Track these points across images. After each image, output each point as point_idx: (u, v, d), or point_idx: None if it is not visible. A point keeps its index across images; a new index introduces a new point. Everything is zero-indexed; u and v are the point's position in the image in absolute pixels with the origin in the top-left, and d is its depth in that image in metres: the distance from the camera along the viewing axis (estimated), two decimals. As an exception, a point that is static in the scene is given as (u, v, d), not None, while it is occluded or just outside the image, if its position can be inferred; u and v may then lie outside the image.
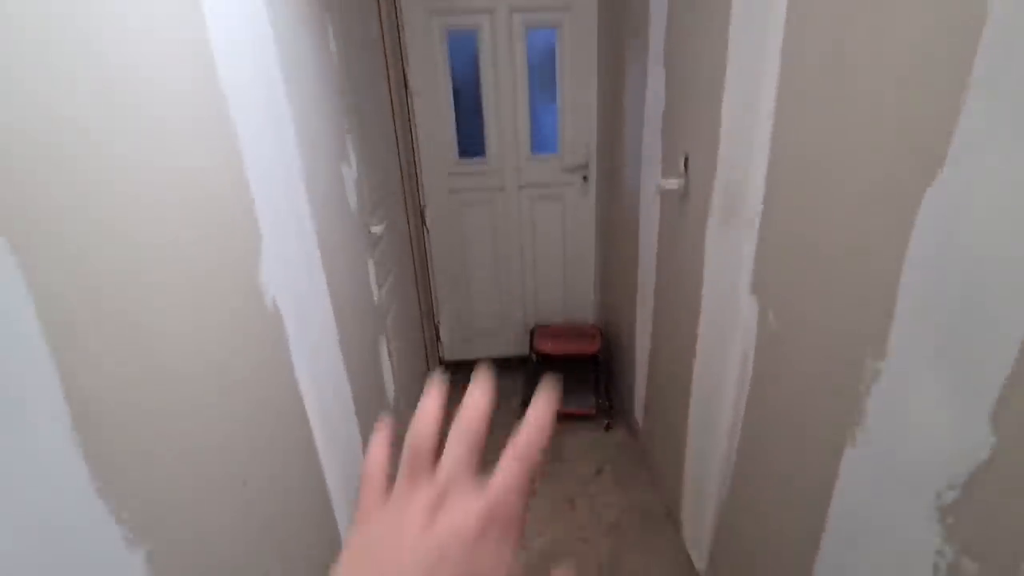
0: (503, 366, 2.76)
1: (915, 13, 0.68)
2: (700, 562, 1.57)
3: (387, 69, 2.03)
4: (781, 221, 1.04)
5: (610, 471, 2.09)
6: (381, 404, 1.57)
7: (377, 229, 1.60)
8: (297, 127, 0.96)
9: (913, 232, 0.70)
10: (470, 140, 2.41)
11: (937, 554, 0.69)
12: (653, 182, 1.73)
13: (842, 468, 0.89)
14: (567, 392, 2.46)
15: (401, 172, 2.21)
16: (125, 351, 0.50)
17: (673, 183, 1.49)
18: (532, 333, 2.59)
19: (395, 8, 2.12)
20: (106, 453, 0.47)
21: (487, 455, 0.27)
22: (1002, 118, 0.58)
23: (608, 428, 2.31)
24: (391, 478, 0.25)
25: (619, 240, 2.25)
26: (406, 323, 2.07)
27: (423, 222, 2.47)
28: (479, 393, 0.25)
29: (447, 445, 0.24)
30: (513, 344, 2.77)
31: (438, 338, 2.72)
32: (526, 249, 2.60)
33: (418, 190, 2.42)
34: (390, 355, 1.71)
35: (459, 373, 2.66)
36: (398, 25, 2.15)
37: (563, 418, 2.37)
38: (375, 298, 1.56)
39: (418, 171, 2.40)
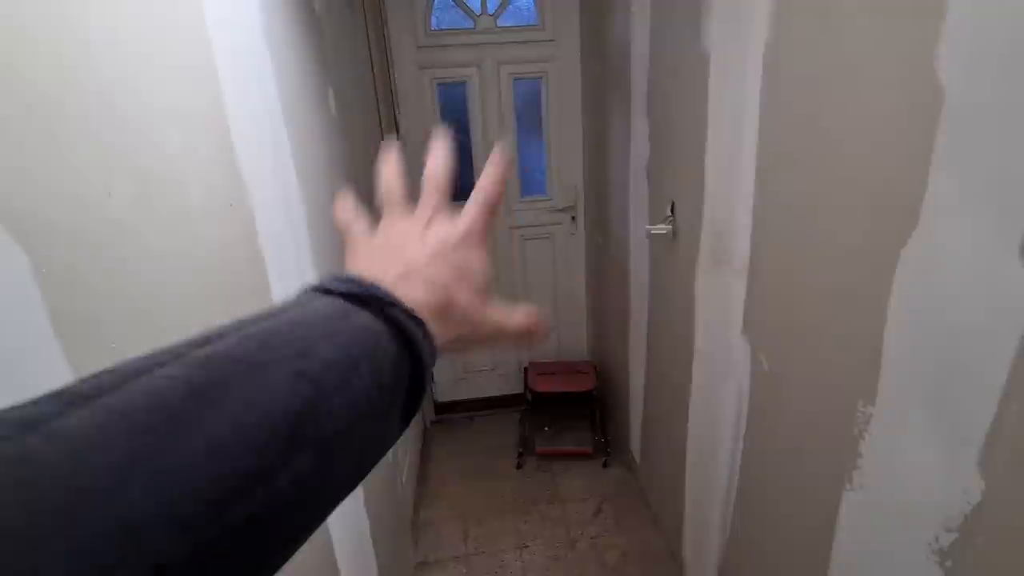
0: (497, 405, 2.76)
1: (881, 88, 0.75)
2: (705, 604, 1.56)
3: (379, 117, 2.10)
4: (769, 267, 1.09)
5: (609, 510, 2.08)
6: (385, 463, 1.56)
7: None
8: (305, 194, 1.00)
9: (893, 286, 0.75)
10: (461, 184, 2.47)
11: (939, 597, 0.71)
12: (641, 225, 1.79)
13: (842, 509, 0.91)
14: (563, 430, 2.46)
15: (394, 217, 2.25)
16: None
17: (661, 228, 1.55)
18: (526, 371, 2.60)
19: (387, 62, 2.20)
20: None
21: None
22: (964, 187, 0.63)
23: (605, 465, 2.31)
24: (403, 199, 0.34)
25: (609, 279, 2.30)
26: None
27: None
28: (441, 153, 0.34)
29: (428, 192, 0.33)
30: (506, 383, 2.77)
31: (432, 378, 2.71)
32: (517, 288, 2.64)
33: (410, 234, 2.46)
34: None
35: (453, 412, 2.64)
36: (390, 78, 2.23)
37: (560, 457, 2.37)
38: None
39: (410, 215, 2.45)
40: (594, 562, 1.86)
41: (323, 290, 0.25)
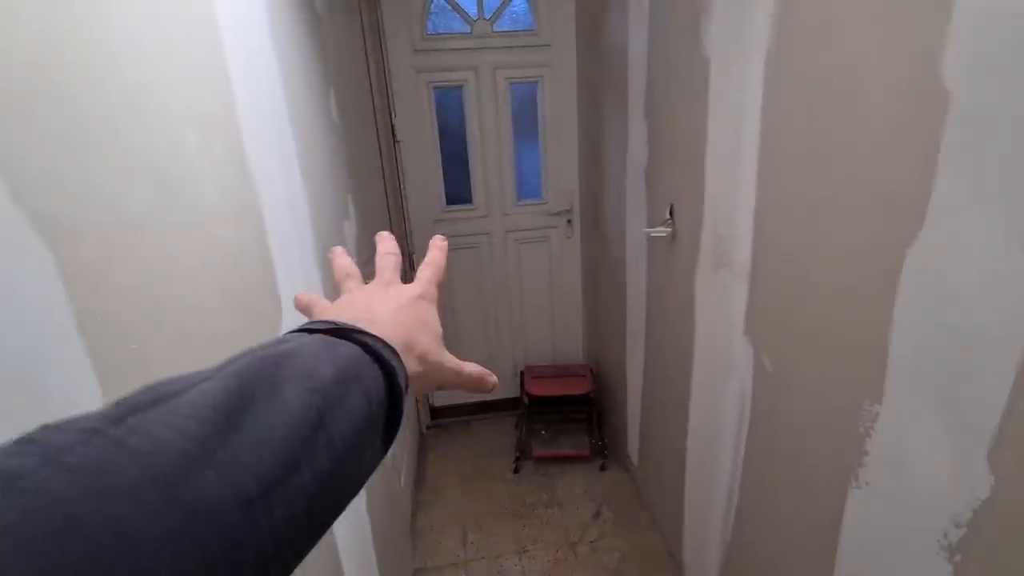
0: (493, 409, 2.75)
1: (885, 91, 0.76)
2: (707, 605, 1.56)
3: (375, 120, 2.09)
4: (772, 269, 1.10)
5: (608, 513, 2.09)
6: (383, 468, 1.55)
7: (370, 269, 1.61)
8: (309, 195, 0.99)
9: (899, 286, 0.76)
10: (457, 187, 2.47)
11: (949, 592, 0.72)
12: (638, 228, 1.80)
13: (848, 508, 0.92)
14: (560, 434, 2.46)
15: (390, 221, 2.25)
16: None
17: (661, 231, 1.56)
18: (522, 375, 2.60)
19: (383, 66, 2.20)
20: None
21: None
22: (971, 188, 0.65)
23: (603, 469, 2.31)
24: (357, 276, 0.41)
25: (606, 281, 2.31)
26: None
27: (412, 268, 2.49)
28: (389, 241, 0.43)
29: (382, 267, 0.40)
30: (502, 387, 2.76)
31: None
32: (513, 291, 2.64)
33: (406, 238, 2.45)
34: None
35: (449, 417, 2.63)
36: (386, 81, 2.23)
37: (558, 460, 2.36)
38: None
39: (406, 219, 2.44)
40: (594, 565, 1.86)
41: (306, 331, 0.28)
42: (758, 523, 1.25)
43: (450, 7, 2.24)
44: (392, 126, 2.28)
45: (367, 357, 0.27)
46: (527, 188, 2.53)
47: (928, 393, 0.74)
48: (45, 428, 0.17)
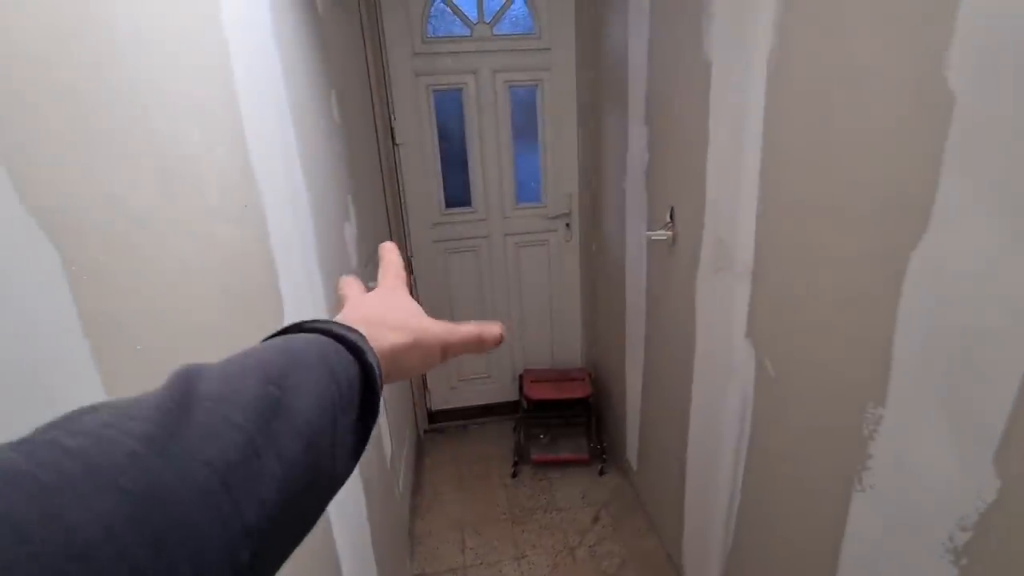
0: (491, 413, 2.74)
1: (889, 94, 0.77)
2: (707, 610, 1.55)
3: (375, 123, 2.09)
4: (773, 273, 1.10)
5: (607, 518, 2.08)
6: (381, 467, 1.54)
7: (373, 285, 1.60)
8: (311, 196, 0.99)
9: (903, 288, 0.76)
10: (456, 191, 2.47)
11: (955, 596, 0.72)
12: (638, 232, 1.80)
13: (851, 512, 0.92)
14: (559, 438, 2.45)
15: (389, 224, 2.24)
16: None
17: (661, 234, 1.56)
18: (521, 379, 2.59)
19: (383, 68, 2.20)
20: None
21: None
22: (976, 189, 0.65)
23: (602, 473, 2.30)
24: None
25: (605, 285, 2.31)
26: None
27: (410, 272, 2.49)
28: (395, 248, 0.46)
29: (386, 273, 0.43)
30: (501, 391, 2.75)
31: (425, 387, 2.68)
32: (512, 294, 2.64)
33: (405, 240, 2.45)
34: (386, 411, 1.68)
35: (447, 421, 2.62)
36: (386, 83, 2.23)
37: (557, 465, 2.35)
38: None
39: (405, 222, 2.44)
40: (593, 571, 1.85)
41: (280, 332, 0.30)
42: (759, 528, 1.25)
43: (450, 10, 2.24)
44: (391, 129, 2.28)
45: (330, 341, 0.28)
46: (526, 191, 2.53)
47: (933, 395, 0.74)
48: None
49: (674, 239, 1.55)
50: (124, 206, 0.46)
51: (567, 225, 2.56)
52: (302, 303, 0.91)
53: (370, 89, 1.98)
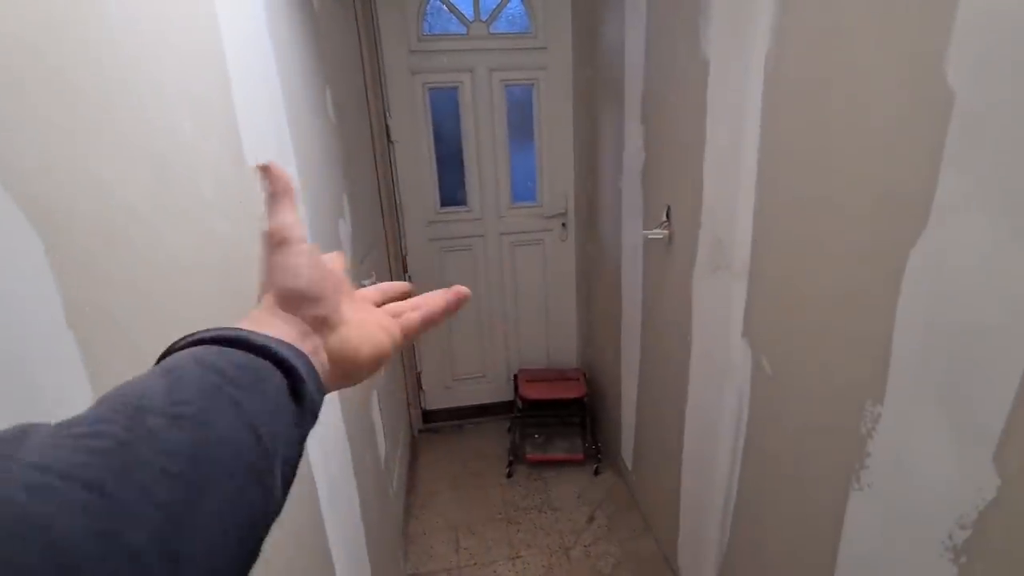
0: (486, 413, 2.73)
1: (887, 91, 0.76)
2: (703, 610, 1.55)
3: (370, 121, 2.08)
4: (770, 271, 1.10)
5: (602, 518, 2.07)
6: (375, 467, 1.52)
7: (367, 283, 1.59)
8: (306, 192, 0.97)
9: (902, 285, 0.76)
10: (451, 190, 2.46)
11: (953, 594, 0.72)
12: (634, 231, 1.80)
13: (848, 511, 0.92)
14: (554, 437, 2.44)
15: (384, 222, 2.23)
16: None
17: (658, 233, 1.56)
18: (515, 378, 2.58)
19: (379, 66, 2.19)
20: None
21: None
22: (975, 185, 0.65)
23: (597, 473, 2.29)
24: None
25: (601, 285, 2.30)
26: (390, 375, 2.04)
27: (405, 270, 2.47)
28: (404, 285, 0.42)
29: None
30: (496, 391, 2.74)
31: (420, 386, 2.67)
32: (507, 294, 2.63)
33: (399, 239, 2.43)
34: (380, 410, 1.67)
35: (441, 421, 2.61)
36: (381, 81, 2.21)
37: (552, 464, 2.35)
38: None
39: (399, 220, 2.42)
40: (588, 571, 1.84)
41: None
42: (756, 527, 1.24)
43: (446, 8, 2.24)
44: (387, 127, 2.26)
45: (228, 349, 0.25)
46: (522, 191, 2.53)
47: (932, 393, 0.73)
48: None
49: (670, 238, 1.54)
50: (114, 195, 0.45)
51: (563, 225, 2.56)
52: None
53: (365, 86, 1.96)
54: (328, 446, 1.03)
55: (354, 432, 1.26)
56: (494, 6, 2.26)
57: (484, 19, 2.26)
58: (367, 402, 1.51)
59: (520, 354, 2.73)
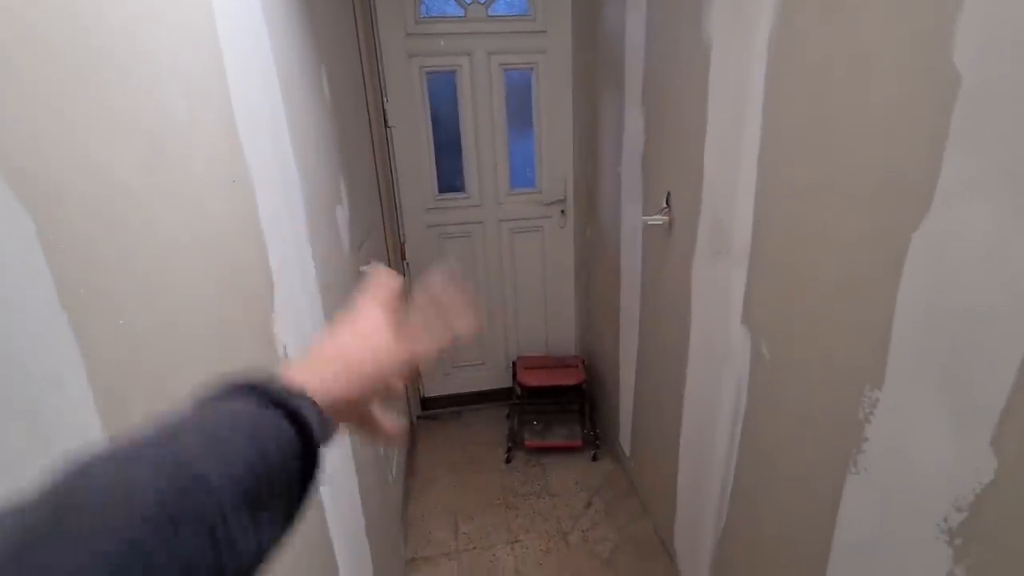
0: (485, 399, 2.74)
1: (892, 73, 0.75)
2: (699, 592, 1.57)
3: (367, 105, 2.05)
4: (771, 257, 1.09)
5: (600, 503, 2.09)
6: (374, 455, 1.53)
7: (365, 268, 1.58)
8: (301, 174, 0.96)
9: (904, 269, 0.75)
10: (450, 176, 2.44)
11: None
12: (633, 217, 1.79)
13: (845, 494, 0.92)
14: (552, 424, 2.45)
15: (381, 208, 2.21)
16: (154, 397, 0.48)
17: (657, 219, 1.55)
18: (514, 365, 2.59)
19: (375, 49, 2.16)
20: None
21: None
22: (980, 169, 0.64)
23: (595, 459, 2.31)
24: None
25: (600, 271, 2.30)
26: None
27: (403, 257, 2.46)
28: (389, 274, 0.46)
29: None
30: (494, 377, 2.75)
31: (418, 374, 2.67)
32: (506, 281, 2.62)
33: (397, 225, 2.42)
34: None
35: (440, 407, 2.62)
36: (378, 64, 2.18)
37: (550, 451, 2.36)
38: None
39: (397, 206, 2.40)
40: (586, 555, 1.86)
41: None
42: (752, 511, 1.25)
43: (444, -10, 2.20)
44: (384, 111, 2.24)
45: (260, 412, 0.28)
46: (521, 177, 2.51)
47: (931, 377, 0.73)
48: None
49: (670, 224, 1.54)
50: (106, 173, 0.44)
51: (562, 212, 2.55)
52: (292, 282, 0.89)
53: (362, 69, 1.93)
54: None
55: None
56: (493, -12, 2.22)
57: (482, 1, 2.22)
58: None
59: (519, 341, 2.73)
